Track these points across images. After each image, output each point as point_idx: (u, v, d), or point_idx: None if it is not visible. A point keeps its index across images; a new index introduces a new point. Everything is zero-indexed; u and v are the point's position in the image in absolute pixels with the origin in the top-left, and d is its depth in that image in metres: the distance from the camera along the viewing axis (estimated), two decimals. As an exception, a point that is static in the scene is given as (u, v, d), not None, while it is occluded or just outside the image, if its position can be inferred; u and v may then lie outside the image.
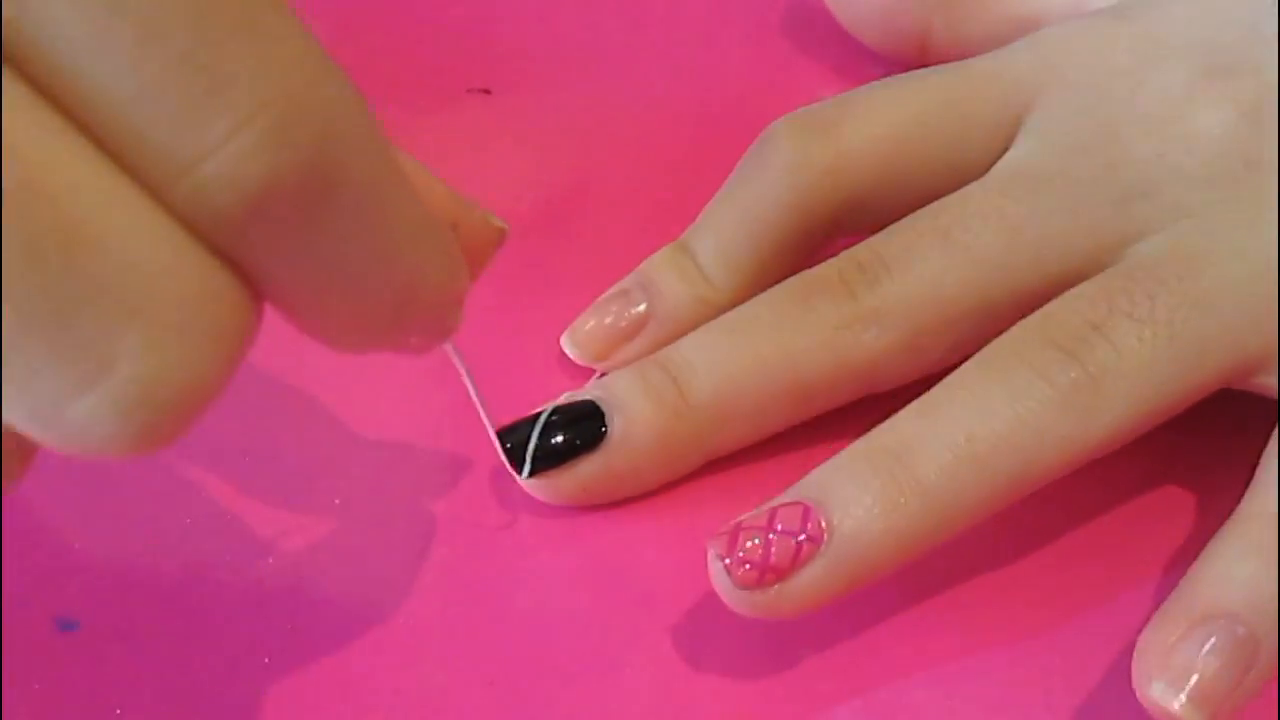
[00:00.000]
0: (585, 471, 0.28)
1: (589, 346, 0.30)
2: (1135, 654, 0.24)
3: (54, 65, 0.16)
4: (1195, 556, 0.26)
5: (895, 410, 0.27)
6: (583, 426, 0.28)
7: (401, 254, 0.20)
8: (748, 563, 0.25)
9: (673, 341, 0.30)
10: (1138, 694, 0.24)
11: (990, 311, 0.28)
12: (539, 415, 0.28)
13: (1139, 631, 0.25)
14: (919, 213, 0.29)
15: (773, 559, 0.25)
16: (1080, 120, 0.29)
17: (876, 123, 0.30)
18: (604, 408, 0.28)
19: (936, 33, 0.34)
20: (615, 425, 0.28)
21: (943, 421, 0.25)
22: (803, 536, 0.25)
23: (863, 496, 0.25)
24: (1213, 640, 0.24)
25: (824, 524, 0.25)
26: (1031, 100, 0.29)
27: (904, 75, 0.31)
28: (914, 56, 0.35)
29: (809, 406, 0.28)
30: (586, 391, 0.28)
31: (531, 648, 0.27)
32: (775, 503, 0.25)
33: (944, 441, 0.25)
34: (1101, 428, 0.26)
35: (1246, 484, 0.26)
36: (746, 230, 0.30)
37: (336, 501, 0.29)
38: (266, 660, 0.26)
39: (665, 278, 0.30)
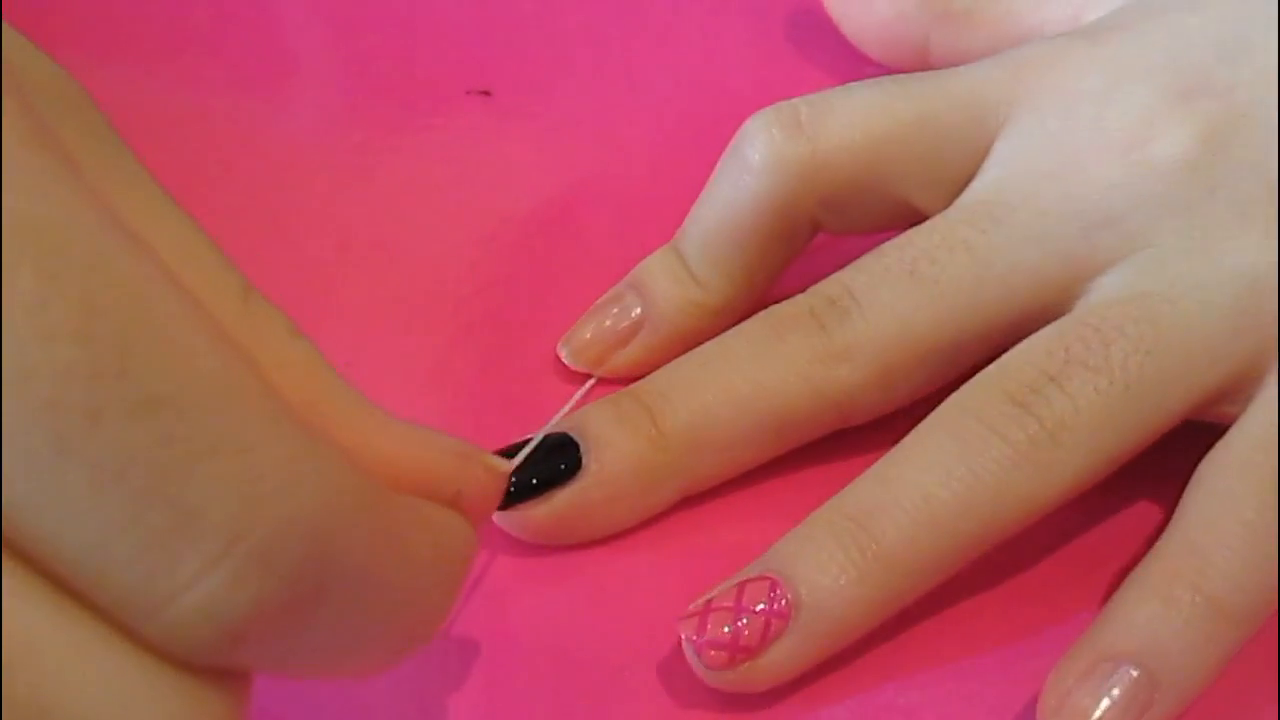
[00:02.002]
0: (560, 503, 0.27)
1: (585, 353, 0.30)
2: (1042, 693, 0.25)
3: (7, 512, 0.15)
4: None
5: (870, 443, 0.27)
6: (556, 458, 0.27)
7: (404, 611, 0.18)
8: (718, 646, 0.25)
9: (667, 345, 0.30)
10: None
11: (962, 345, 0.28)
12: (514, 449, 0.27)
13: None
14: (887, 245, 0.29)
15: (742, 640, 0.25)
16: (1046, 147, 0.29)
17: (853, 128, 0.29)
18: (577, 439, 0.27)
19: (935, 45, 0.34)
20: (589, 455, 0.27)
21: (901, 485, 0.26)
22: (771, 608, 0.25)
23: (828, 567, 0.25)
24: (1108, 683, 0.24)
25: (790, 598, 0.25)
26: (1003, 122, 0.29)
27: (882, 80, 0.30)
28: (915, 67, 0.35)
29: (783, 439, 0.28)
30: (562, 423, 0.28)
31: (529, 649, 0.27)
32: (742, 576, 0.26)
33: (903, 506, 0.25)
34: (1061, 481, 0.26)
35: None
36: (727, 229, 0.30)
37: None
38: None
39: (657, 281, 0.30)
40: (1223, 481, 0.26)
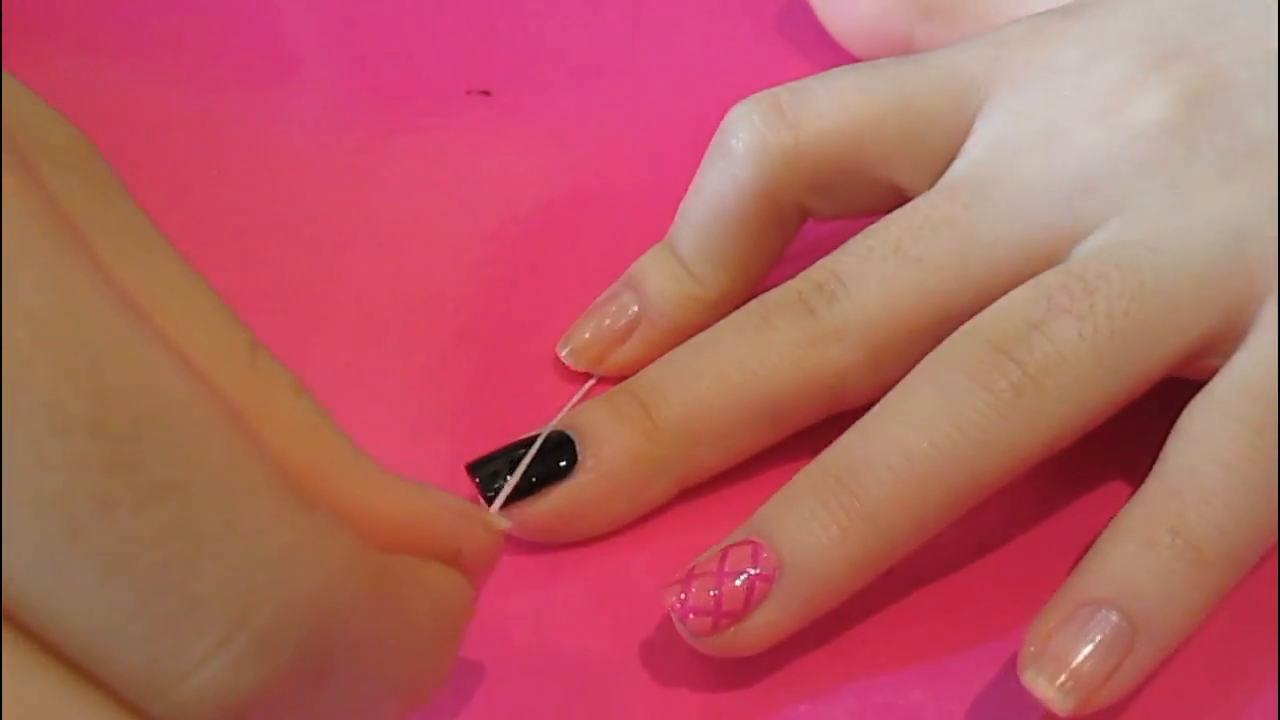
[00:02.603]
0: (558, 499, 0.27)
1: (585, 353, 0.30)
2: (1023, 642, 0.25)
3: (17, 595, 0.15)
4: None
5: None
6: (553, 456, 0.27)
7: (404, 675, 0.19)
8: (701, 611, 0.25)
9: (666, 341, 0.30)
10: (1019, 676, 0.24)
11: (950, 320, 0.28)
12: (510, 448, 0.28)
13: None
14: (871, 227, 0.29)
15: (725, 604, 0.25)
16: (1026, 121, 0.29)
17: (834, 111, 0.29)
18: (573, 436, 0.28)
19: (920, 41, 0.35)
20: (585, 452, 0.27)
21: (883, 441, 0.25)
22: (755, 571, 0.25)
23: (810, 527, 0.25)
24: (1088, 627, 0.24)
25: (774, 560, 0.25)
26: (983, 100, 0.29)
27: (861, 65, 0.31)
28: None
29: (778, 426, 0.28)
30: (556, 423, 0.28)
31: (526, 649, 0.27)
32: (726, 542, 0.25)
33: (886, 463, 0.25)
34: (1047, 429, 0.25)
35: None
36: (717, 220, 0.30)
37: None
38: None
39: (652, 277, 0.31)
40: (1204, 426, 0.26)
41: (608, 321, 0.30)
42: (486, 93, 0.37)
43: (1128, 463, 0.29)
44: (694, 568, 0.25)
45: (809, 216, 0.31)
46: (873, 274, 0.28)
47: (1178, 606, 0.24)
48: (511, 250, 0.33)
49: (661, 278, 0.30)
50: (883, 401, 0.26)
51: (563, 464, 0.27)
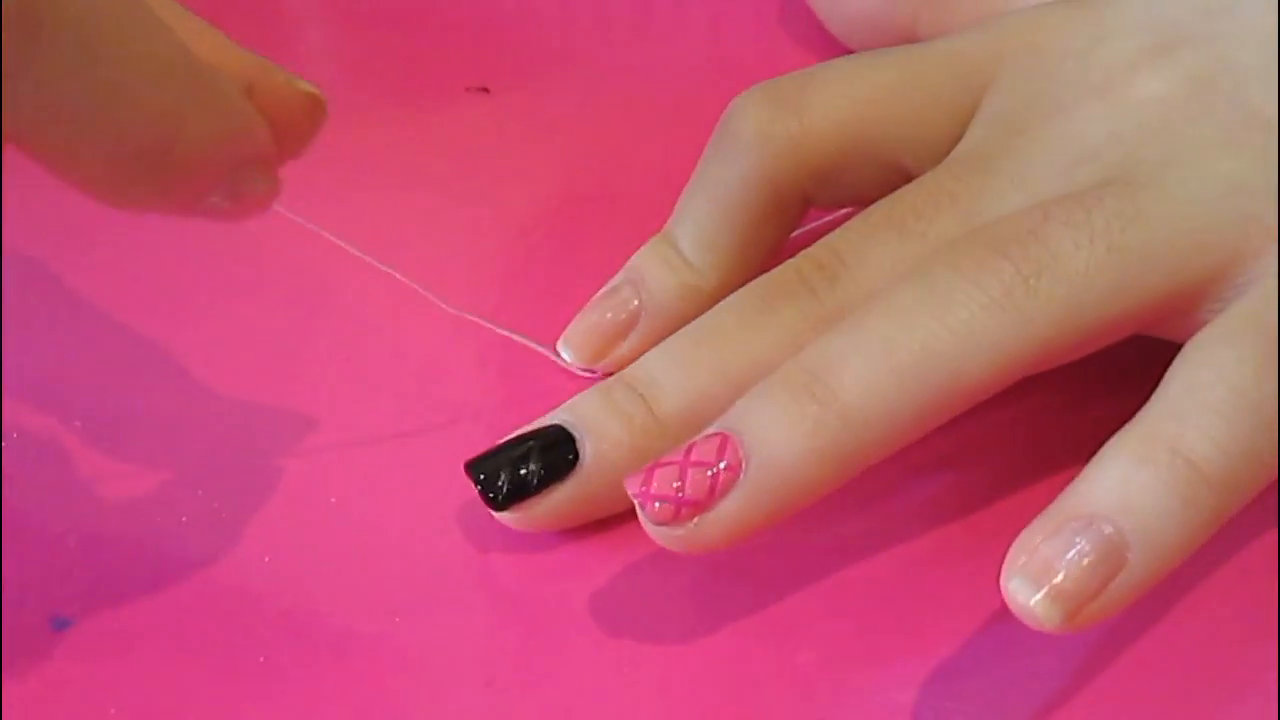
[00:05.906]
0: (559, 498, 0.27)
1: (584, 348, 0.30)
2: (1007, 555, 0.23)
3: None
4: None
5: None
6: (554, 453, 0.27)
7: (137, 92, 0.20)
8: (664, 498, 0.24)
9: (666, 334, 0.29)
10: (1002, 591, 0.23)
11: None
12: (509, 445, 0.27)
13: (1139, 631, 0.25)
14: (872, 206, 0.28)
15: (689, 492, 0.24)
16: (1030, 101, 0.29)
17: (838, 95, 0.30)
18: (573, 432, 0.27)
19: (924, 28, 0.35)
20: (586, 449, 0.27)
21: (864, 334, 0.25)
22: (721, 465, 0.24)
23: (780, 421, 0.24)
24: (1078, 540, 0.23)
25: (741, 452, 0.24)
26: (987, 82, 0.30)
27: (867, 52, 0.31)
28: None
29: None
30: (554, 415, 0.28)
31: (528, 648, 0.27)
32: (695, 439, 0.25)
33: (863, 354, 0.24)
34: (1035, 333, 0.25)
35: None
36: (719, 209, 0.30)
37: (332, 500, 0.29)
38: (262, 659, 0.26)
39: (651, 269, 0.30)
40: (1209, 352, 0.25)
41: (608, 315, 0.30)
42: (485, 90, 0.37)
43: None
44: (658, 460, 0.24)
45: (810, 207, 0.31)
46: (874, 252, 0.27)
47: (1174, 524, 0.23)
48: (511, 246, 0.33)
49: (661, 270, 0.30)
50: (867, 297, 0.26)
51: (563, 463, 0.27)
